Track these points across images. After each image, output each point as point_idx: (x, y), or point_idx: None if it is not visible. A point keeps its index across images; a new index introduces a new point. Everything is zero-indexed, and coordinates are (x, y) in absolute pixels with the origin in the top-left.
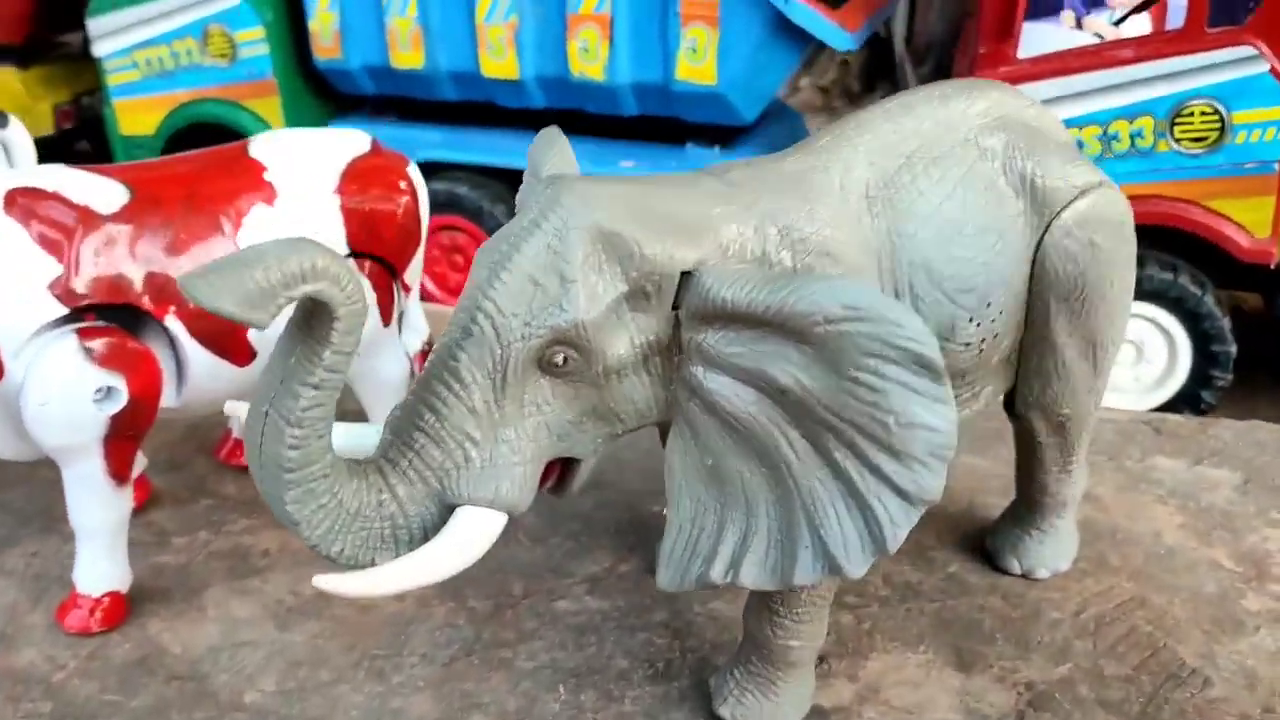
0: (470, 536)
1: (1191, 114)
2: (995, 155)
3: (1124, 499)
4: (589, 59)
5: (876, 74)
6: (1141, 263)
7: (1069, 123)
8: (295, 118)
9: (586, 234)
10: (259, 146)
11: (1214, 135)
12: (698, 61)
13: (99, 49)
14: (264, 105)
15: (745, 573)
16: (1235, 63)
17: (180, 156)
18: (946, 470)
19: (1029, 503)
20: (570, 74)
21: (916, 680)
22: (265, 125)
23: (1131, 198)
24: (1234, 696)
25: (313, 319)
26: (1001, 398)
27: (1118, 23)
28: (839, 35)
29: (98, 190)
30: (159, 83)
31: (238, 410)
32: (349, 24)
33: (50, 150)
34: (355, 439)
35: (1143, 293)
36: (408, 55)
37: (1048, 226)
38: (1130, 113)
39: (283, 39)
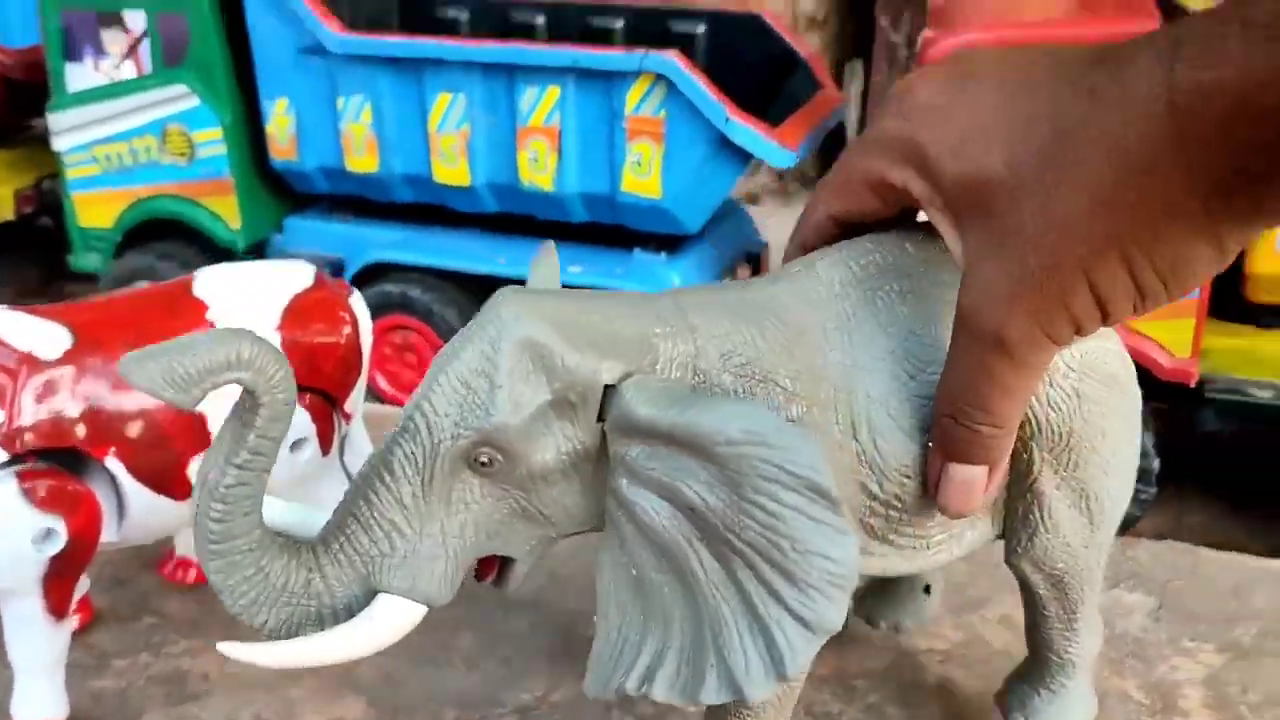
0: (383, 624)
1: None
2: None
3: None
4: (538, 169)
5: (832, 159)
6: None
7: None
8: (251, 213)
9: (517, 344)
10: (202, 284)
11: None
12: (643, 175)
13: (59, 143)
14: (221, 203)
15: (657, 688)
16: None
17: (124, 295)
18: (848, 602)
19: (1036, 659)
20: (520, 182)
21: None
22: (222, 222)
23: None
24: None
25: (244, 405)
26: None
27: None
28: (779, 153)
29: (41, 334)
30: (118, 178)
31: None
32: (305, 128)
33: (10, 235)
34: (305, 518)
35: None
36: (362, 160)
37: None
38: None
39: (240, 139)
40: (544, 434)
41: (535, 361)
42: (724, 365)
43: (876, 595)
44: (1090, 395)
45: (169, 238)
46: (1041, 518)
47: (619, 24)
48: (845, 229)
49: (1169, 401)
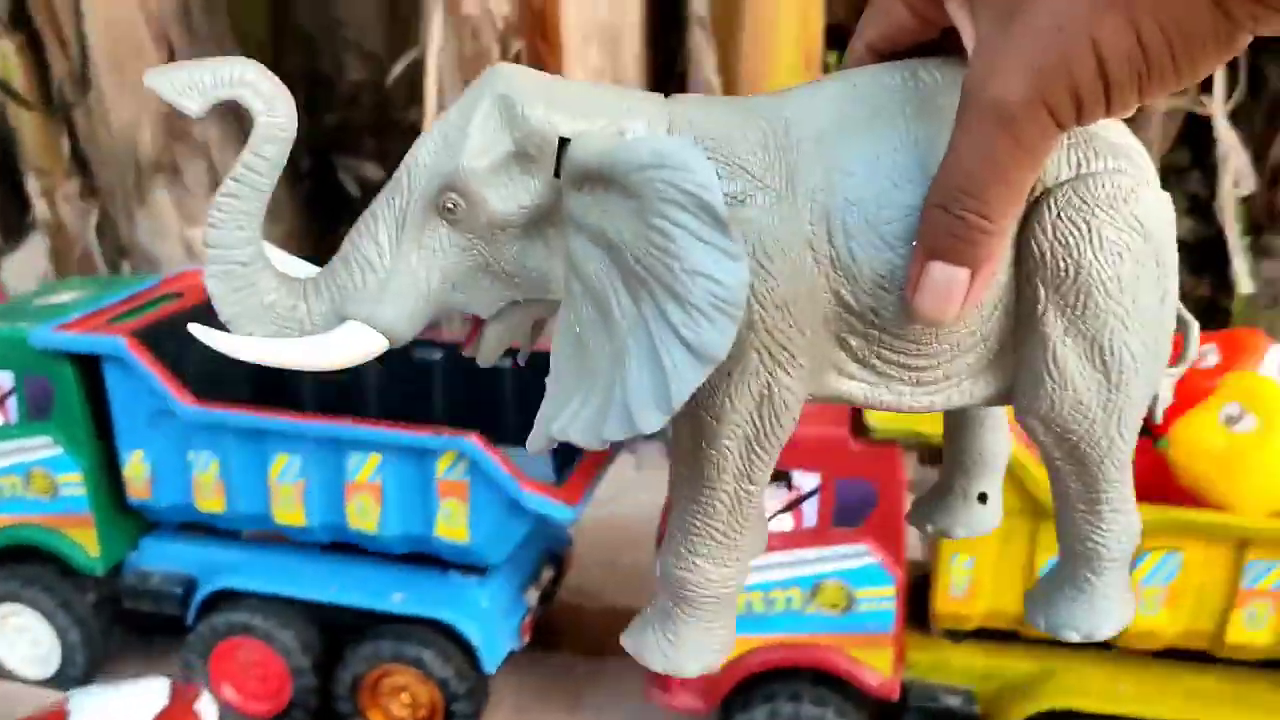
0: (338, 342)
1: (826, 588)
2: None
3: None
4: (364, 516)
5: None
6: (797, 696)
7: (748, 588)
8: (109, 541)
9: (489, 100)
10: (75, 708)
11: (845, 603)
12: (453, 524)
13: None
14: (81, 533)
15: (573, 431)
16: (855, 556)
17: None
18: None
19: (1062, 550)
20: (348, 525)
21: None
22: (82, 550)
23: (790, 645)
24: None
25: (248, 125)
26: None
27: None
28: (563, 511)
29: None
30: None
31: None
32: (159, 475)
33: None
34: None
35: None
36: (210, 501)
37: (1040, 200)
38: (784, 585)
39: (99, 481)
40: (505, 183)
41: (502, 114)
42: (690, 130)
43: (927, 499)
44: (1108, 235)
45: (30, 561)
46: (1048, 365)
47: (506, 363)
48: (885, 58)
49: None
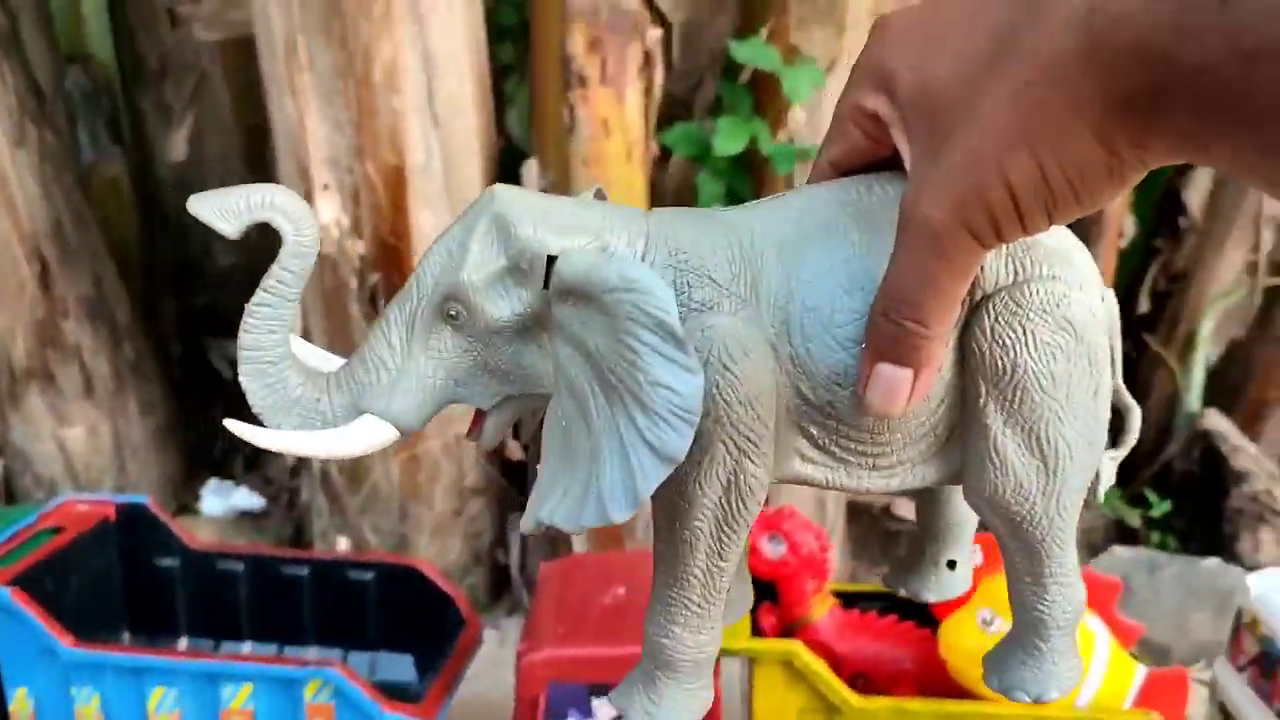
0: (355, 434)
1: None
2: None
3: None
4: None
5: None
6: None
7: None
8: None
9: (488, 218)
10: None
11: None
12: None
13: None
14: None
15: (557, 517)
16: None
17: None
18: (692, 433)
19: (1015, 618)
20: None
21: None
22: None
23: None
24: None
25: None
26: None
27: None
28: None
29: None
30: None
31: None
32: (42, 710)
33: None
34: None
35: None
36: None
37: (982, 301)
38: None
39: None
40: (500, 294)
41: (498, 232)
42: (670, 259)
43: (902, 566)
44: (1041, 337)
45: None
46: (990, 453)
47: (368, 575)
48: (845, 174)
49: None
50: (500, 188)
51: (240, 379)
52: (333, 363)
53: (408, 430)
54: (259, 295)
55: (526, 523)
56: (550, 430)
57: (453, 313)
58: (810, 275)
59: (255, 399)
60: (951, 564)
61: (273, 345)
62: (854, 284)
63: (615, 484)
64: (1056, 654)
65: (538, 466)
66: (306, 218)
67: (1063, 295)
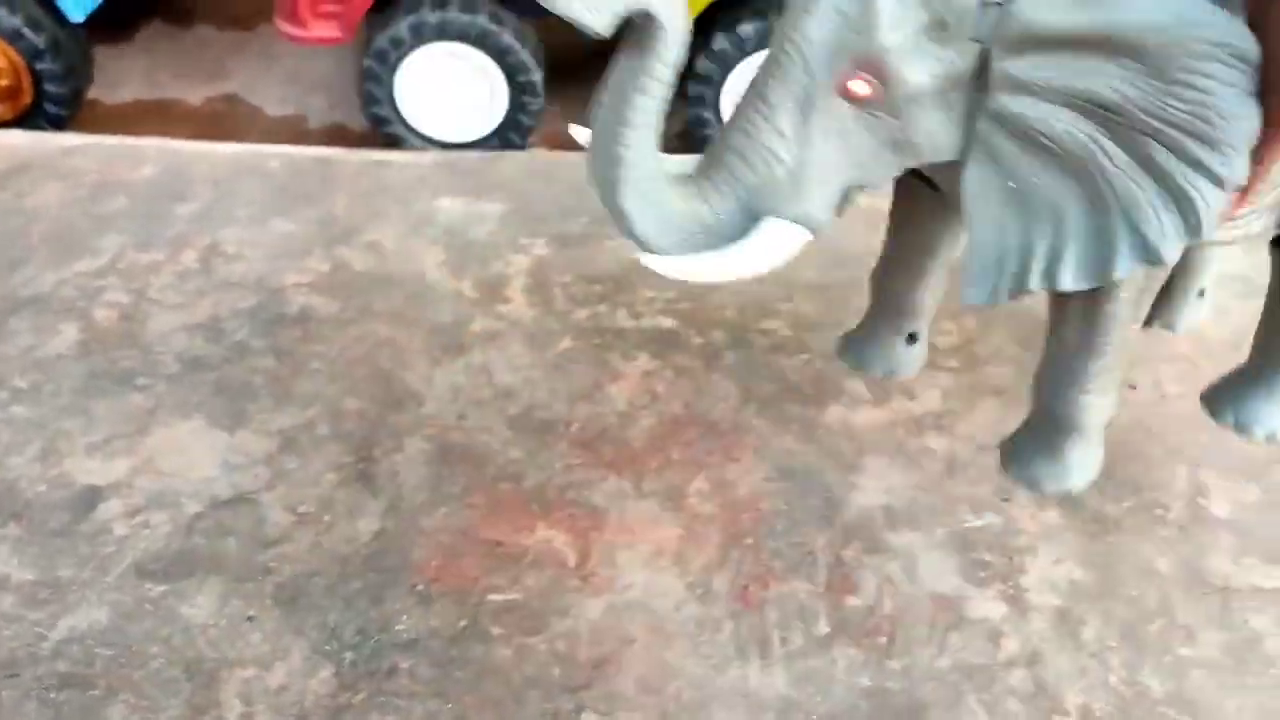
0: (775, 245)
1: None
2: None
3: (404, 244)
4: None
5: None
6: (444, 5)
7: None
8: None
9: None
10: None
11: None
12: None
13: None
14: None
15: (1063, 277)
16: None
17: None
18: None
19: (1263, 356)
20: None
21: (185, 446)
22: None
23: None
24: (440, 411)
25: (644, 39)
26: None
27: None
28: None
29: None
30: None
31: (581, 133)
32: None
33: None
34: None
35: (451, 34)
36: None
37: None
38: None
39: None
40: (917, 55)
41: None
42: None
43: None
44: None
45: None
46: None
47: None
48: None
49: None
50: None
51: (620, 202)
52: (686, 162)
53: (820, 230)
54: (638, 100)
55: (979, 294)
56: (983, 197)
57: (863, 85)
58: None
59: (639, 222)
60: (1201, 293)
61: (651, 158)
62: None
63: (1168, 225)
64: None
65: (965, 238)
66: (682, 3)
67: None
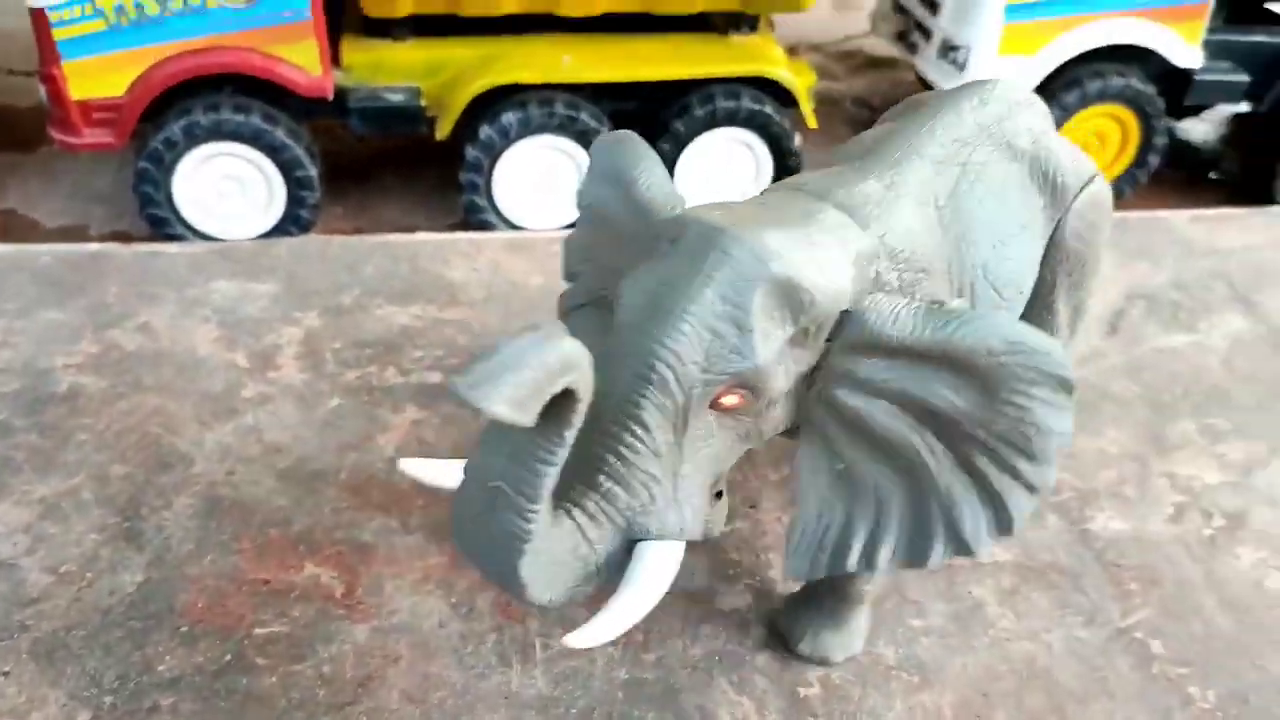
0: (661, 570)
1: None
2: (1024, 158)
3: (176, 323)
4: None
5: None
6: (217, 107)
7: None
8: None
9: (762, 285)
10: None
11: None
12: None
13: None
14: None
15: (880, 559)
16: None
17: None
18: None
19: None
20: None
21: None
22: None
23: (196, 52)
24: (208, 470)
25: (554, 407)
26: None
27: None
28: None
29: None
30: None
31: (416, 470)
32: None
33: None
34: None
35: (225, 134)
36: None
37: (1065, 213)
38: None
39: None
40: (783, 364)
41: (781, 300)
42: (892, 263)
43: None
44: (1100, 225)
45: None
46: (1052, 331)
47: None
48: None
49: (317, 114)
50: (726, 236)
51: (520, 575)
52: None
53: (696, 539)
54: (550, 473)
55: (798, 569)
56: (813, 475)
57: (733, 400)
58: (973, 234)
59: (534, 586)
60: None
61: (548, 523)
62: (1003, 232)
63: (982, 525)
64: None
65: (793, 512)
66: (588, 356)
67: (1105, 187)
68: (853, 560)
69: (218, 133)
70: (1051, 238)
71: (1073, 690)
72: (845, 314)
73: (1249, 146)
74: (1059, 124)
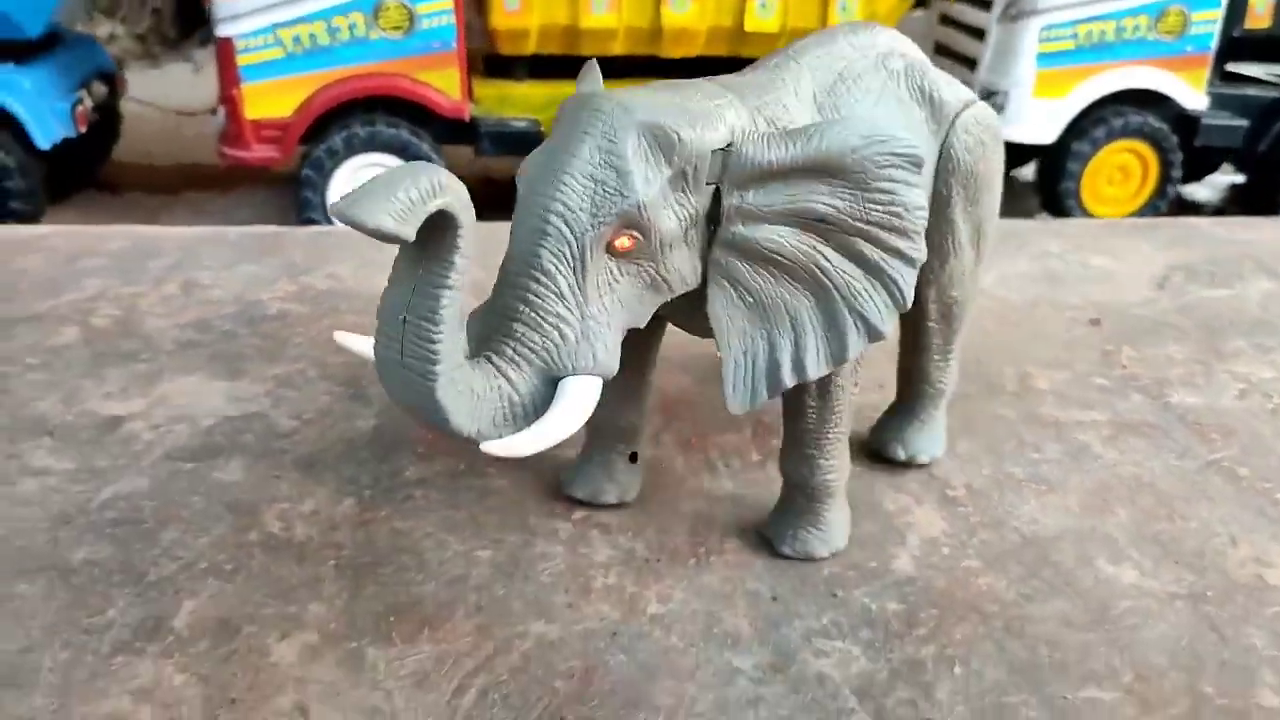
0: (579, 401)
1: (388, 9)
2: (899, 76)
3: (361, 273)
4: None
5: (193, 22)
6: (373, 122)
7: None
8: None
9: (632, 130)
10: None
11: (407, 24)
12: None
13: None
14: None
15: (809, 369)
16: None
17: None
18: None
19: (913, 393)
20: None
21: (192, 390)
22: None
23: (358, 76)
24: None
25: (438, 232)
26: None
27: None
28: None
29: None
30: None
31: (348, 340)
32: None
33: None
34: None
35: (380, 145)
36: None
37: (950, 127)
38: (343, 10)
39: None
40: (666, 206)
41: (653, 142)
42: (770, 128)
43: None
44: (988, 145)
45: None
46: (952, 245)
47: None
48: None
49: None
50: (598, 99)
51: (438, 400)
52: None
53: (610, 375)
54: (447, 295)
55: (740, 402)
56: (729, 315)
57: (625, 241)
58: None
59: (455, 415)
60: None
61: (459, 348)
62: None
63: (881, 306)
64: (943, 419)
65: (719, 355)
66: (464, 189)
67: (990, 112)
68: (786, 375)
69: (372, 144)
70: (941, 151)
71: (1177, 495)
72: (725, 154)
73: (1247, 207)
74: (1088, 158)
